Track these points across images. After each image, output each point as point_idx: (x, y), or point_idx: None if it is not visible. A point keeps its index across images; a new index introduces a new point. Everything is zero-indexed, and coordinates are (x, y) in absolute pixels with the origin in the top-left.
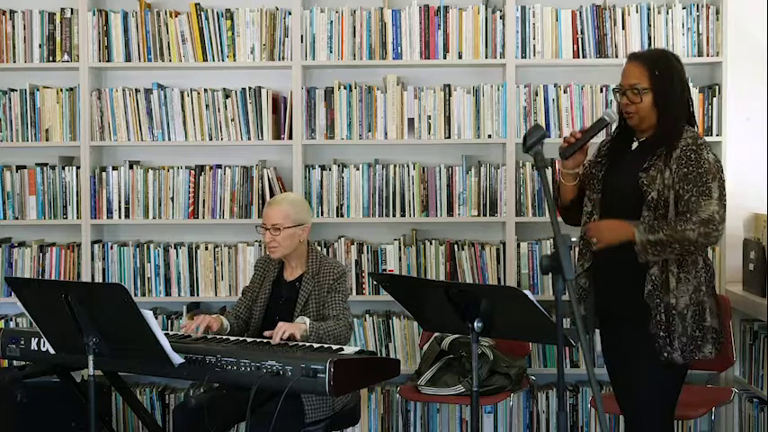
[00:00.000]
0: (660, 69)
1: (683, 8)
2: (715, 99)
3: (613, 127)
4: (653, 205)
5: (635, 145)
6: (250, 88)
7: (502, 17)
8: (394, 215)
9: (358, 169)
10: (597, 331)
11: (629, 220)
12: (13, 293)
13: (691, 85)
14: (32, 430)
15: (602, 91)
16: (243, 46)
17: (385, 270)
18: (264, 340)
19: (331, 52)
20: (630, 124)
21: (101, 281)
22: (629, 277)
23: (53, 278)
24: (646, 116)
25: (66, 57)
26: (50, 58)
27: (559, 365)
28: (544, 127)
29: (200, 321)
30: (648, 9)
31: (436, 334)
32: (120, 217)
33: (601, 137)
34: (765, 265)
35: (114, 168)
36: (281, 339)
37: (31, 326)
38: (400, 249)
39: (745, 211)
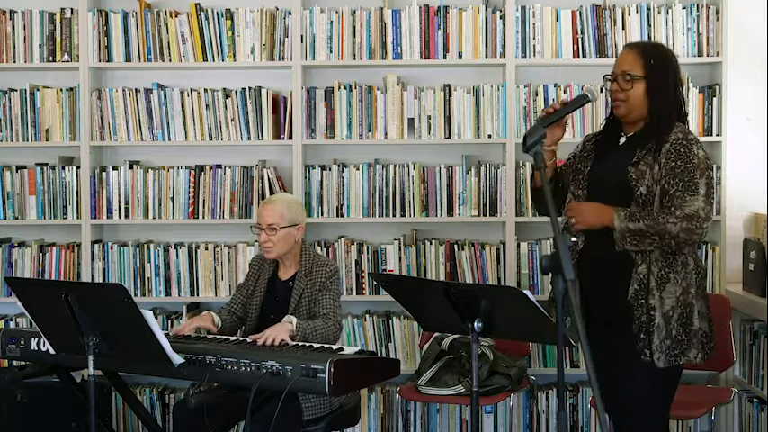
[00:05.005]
0: (656, 60)
1: (683, 8)
2: (715, 99)
3: (595, 105)
4: (642, 201)
5: (622, 140)
6: (250, 88)
7: (502, 17)
8: (394, 215)
9: (358, 169)
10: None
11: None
12: (13, 293)
13: (691, 85)
14: (32, 430)
15: (602, 91)
16: (243, 46)
17: (385, 270)
18: None
19: (331, 52)
20: (617, 114)
21: (101, 281)
22: (613, 277)
23: (53, 278)
24: (635, 106)
25: (66, 57)
26: (50, 58)
27: (559, 365)
28: None
29: (188, 324)
30: (648, 9)
31: (436, 334)
32: (120, 217)
33: (587, 130)
34: (765, 265)
35: (114, 168)
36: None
37: (31, 326)
38: (400, 249)
39: (745, 212)
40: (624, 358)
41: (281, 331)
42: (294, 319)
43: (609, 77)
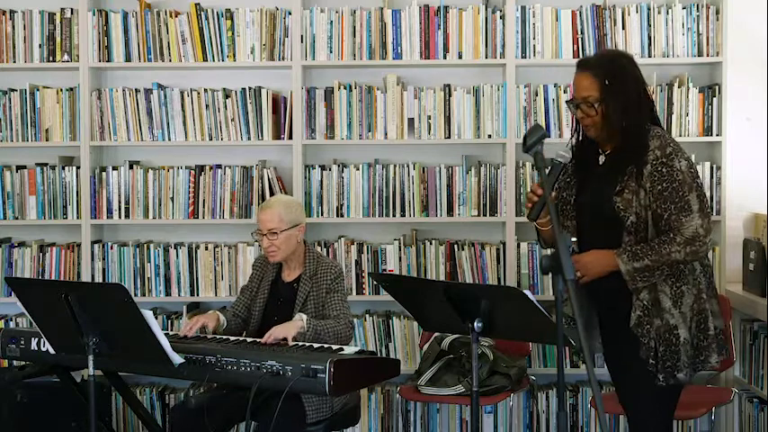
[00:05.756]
0: (611, 77)
1: (683, 8)
2: (715, 99)
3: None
4: (633, 229)
5: (602, 159)
6: (250, 88)
7: (502, 17)
8: (394, 215)
9: (358, 169)
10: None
11: (608, 243)
12: (13, 293)
13: (691, 85)
14: (32, 430)
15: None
16: (243, 46)
17: (385, 270)
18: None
19: (331, 52)
20: (590, 136)
21: (101, 281)
22: (617, 300)
23: (53, 278)
24: (603, 126)
25: (66, 57)
26: (50, 58)
27: (559, 365)
28: (544, 127)
29: (193, 323)
30: (648, 9)
31: (436, 334)
32: (120, 217)
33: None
34: (765, 265)
35: (114, 168)
36: (273, 341)
37: (31, 326)
38: (400, 249)
39: (745, 212)
40: (635, 377)
41: (290, 328)
42: (305, 317)
43: (571, 102)
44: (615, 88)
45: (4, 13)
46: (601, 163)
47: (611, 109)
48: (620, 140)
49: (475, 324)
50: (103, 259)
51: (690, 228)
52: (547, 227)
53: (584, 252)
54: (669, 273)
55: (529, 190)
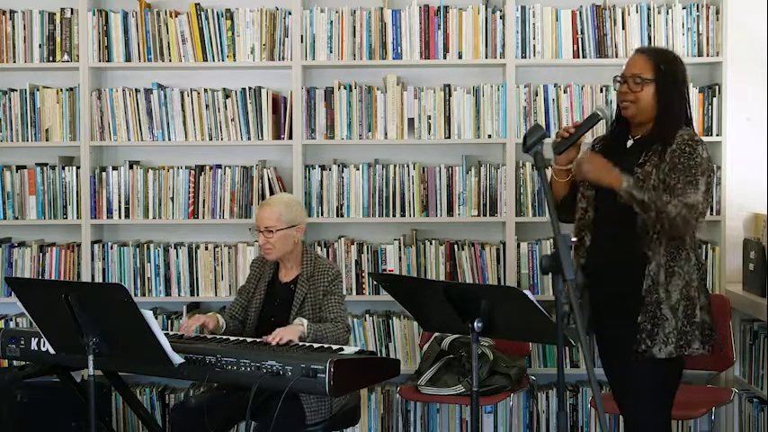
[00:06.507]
0: (666, 66)
1: (683, 8)
2: (715, 99)
3: (605, 123)
4: None
5: (630, 143)
6: (250, 88)
7: (502, 17)
8: (394, 215)
9: (358, 169)
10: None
11: (623, 217)
12: (13, 293)
13: (691, 85)
14: (32, 430)
15: (602, 91)
16: (243, 46)
17: (385, 270)
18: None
19: (331, 52)
20: (625, 115)
21: (101, 281)
22: (622, 271)
23: (53, 278)
24: (643, 108)
25: (66, 57)
26: (50, 58)
27: (559, 365)
28: (544, 127)
29: (194, 321)
30: (648, 9)
31: (436, 334)
32: (120, 217)
33: (598, 131)
34: (765, 265)
35: (114, 168)
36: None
37: (31, 326)
38: (400, 249)
39: (745, 212)
40: (626, 350)
41: (291, 332)
42: (305, 321)
43: (618, 79)
44: (667, 75)
45: (4, 13)
46: (628, 146)
47: (658, 93)
48: (653, 127)
49: (475, 324)
50: (103, 259)
51: (691, 198)
52: (563, 178)
53: (598, 235)
54: (665, 252)
55: (562, 129)
